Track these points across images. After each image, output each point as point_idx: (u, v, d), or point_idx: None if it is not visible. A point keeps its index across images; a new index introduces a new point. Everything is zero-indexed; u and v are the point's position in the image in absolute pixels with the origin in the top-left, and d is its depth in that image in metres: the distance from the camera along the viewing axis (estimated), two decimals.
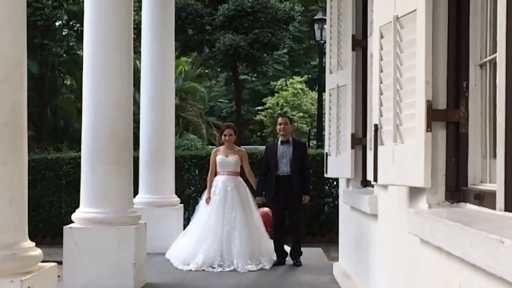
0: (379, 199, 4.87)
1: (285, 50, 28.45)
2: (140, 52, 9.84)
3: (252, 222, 8.28)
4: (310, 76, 29.63)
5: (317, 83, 22.12)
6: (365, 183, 6.14)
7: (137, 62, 13.74)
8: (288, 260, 8.33)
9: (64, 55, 20.87)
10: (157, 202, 9.13)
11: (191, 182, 12.63)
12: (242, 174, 8.61)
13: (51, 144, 18.25)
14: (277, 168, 8.21)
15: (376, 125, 3.75)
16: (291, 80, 28.13)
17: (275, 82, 28.35)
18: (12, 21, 3.80)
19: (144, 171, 9.26)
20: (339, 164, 6.54)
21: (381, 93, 3.70)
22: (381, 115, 3.69)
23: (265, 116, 27.64)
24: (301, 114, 26.69)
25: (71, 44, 20.74)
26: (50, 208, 12.51)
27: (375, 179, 3.84)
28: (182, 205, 9.72)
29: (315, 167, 11.79)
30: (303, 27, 29.46)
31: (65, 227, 6.58)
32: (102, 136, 6.58)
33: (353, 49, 6.27)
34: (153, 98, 9.29)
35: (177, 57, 18.92)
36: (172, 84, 9.74)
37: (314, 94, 25.74)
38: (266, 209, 9.00)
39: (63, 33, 21.36)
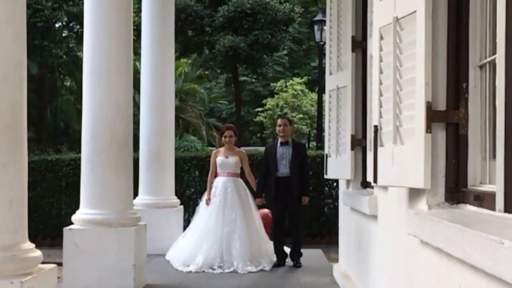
0: (379, 200, 4.87)
1: (285, 52, 28.42)
2: (140, 53, 9.84)
3: (252, 224, 8.28)
4: (310, 77, 29.62)
5: (317, 84, 22.12)
6: (365, 184, 6.14)
7: (137, 63, 13.74)
8: (288, 261, 8.33)
9: (64, 56, 20.86)
10: (157, 203, 9.13)
11: (191, 184, 12.63)
12: (242, 175, 8.61)
13: (51, 146, 18.26)
14: (276, 170, 8.21)
15: (376, 126, 3.76)
16: (291, 81, 28.11)
17: (275, 84, 28.34)
18: (12, 23, 3.80)
19: (144, 172, 9.26)
20: (339, 165, 6.54)
21: (380, 95, 3.70)
22: (380, 116, 3.69)
23: (265, 118, 27.63)
24: (301, 115, 26.68)
25: (71, 45, 20.73)
26: (50, 209, 12.51)
27: (375, 180, 3.84)
28: (182, 206, 9.72)
29: (315, 168, 11.80)
30: (303, 29, 29.45)
31: (65, 229, 6.58)
32: (102, 137, 6.58)
33: (352, 51, 6.27)
34: (153, 100, 9.30)
35: (177, 59, 18.90)
36: (172, 86, 9.73)
37: (314, 96, 25.73)
38: (266, 210, 9.00)
39: (63, 35, 21.34)
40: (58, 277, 4.61)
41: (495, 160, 2.65)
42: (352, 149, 6.19)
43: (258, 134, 31.81)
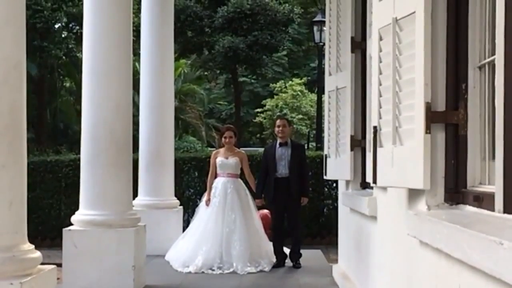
0: (379, 201, 4.87)
1: (285, 52, 28.42)
2: (139, 54, 9.84)
3: (252, 224, 8.28)
4: (309, 78, 29.62)
5: (317, 85, 22.12)
6: (365, 185, 6.14)
7: (137, 64, 13.73)
8: (288, 262, 8.33)
9: (64, 57, 20.84)
10: (156, 204, 9.13)
11: (190, 184, 12.63)
12: (241, 176, 8.61)
13: (51, 147, 18.23)
14: (275, 170, 8.21)
15: (375, 127, 3.76)
16: (290, 82, 28.10)
17: (274, 84, 28.33)
18: (11, 24, 3.80)
19: (144, 173, 9.26)
20: (338, 166, 6.54)
21: (380, 95, 3.70)
22: (380, 117, 3.69)
23: (265, 118, 27.61)
24: (300, 116, 26.67)
25: (70, 46, 20.71)
26: (49, 210, 12.51)
27: (374, 181, 3.84)
28: (181, 207, 9.72)
29: (314, 169, 11.80)
30: (302, 29, 29.46)
31: (65, 229, 6.58)
32: (101, 138, 6.58)
33: (352, 51, 6.27)
34: (153, 100, 9.30)
35: (177, 59, 18.90)
36: (171, 86, 9.74)
37: (314, 96, 25.72)
38: (265, 211, 9.00)
39: (63, 36, 21.32)
40: (58, 278, 4.61)
41: (494, 161, 2.65)
42: (352, 149, 6.19)
43: (258, 135, 31.79)
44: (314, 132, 23.54)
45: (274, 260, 8.25)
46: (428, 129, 3.13)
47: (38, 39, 18.68)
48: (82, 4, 6.95)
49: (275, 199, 8.22)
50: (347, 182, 6.66)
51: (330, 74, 6.85)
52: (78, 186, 6.78)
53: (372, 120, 3.93)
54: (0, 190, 3.70)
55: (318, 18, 17.89)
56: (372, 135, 3.84)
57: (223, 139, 8.63)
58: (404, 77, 3.36)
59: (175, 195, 9.65)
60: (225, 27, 20.07)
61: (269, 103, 27.61)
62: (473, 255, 2.36)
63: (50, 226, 12.16)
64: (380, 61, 3.70)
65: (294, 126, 23.56)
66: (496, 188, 2.57)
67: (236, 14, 19.83)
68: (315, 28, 18.21)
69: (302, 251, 8.43)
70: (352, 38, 6.29)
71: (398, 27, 3.44)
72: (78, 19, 17.59)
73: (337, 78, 6.59)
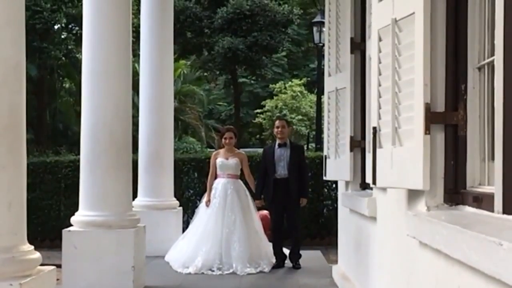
0: (378, 201, 4.87)
1: (284, 53, 28.42)
2: (139, 55, 9.84)
3: (252, 226, 8.28)
4: (309, 79, 29.60)
5: (316, 86, 22.11)
6: (364, 186, 6.14)
7: (136, 65, 13.73)
8: (287, 263, 8.33)
9: (63, 58, 20.85)
10: (156, 205, 9.13)
11: (190, 185, 12.63)
12: (241, 176, 8.61)
13: (50, 147, 18.22)
14: (274, 171, 8.21)
15: (374, 128, 3.76)
16: (290, 83, 28.09)
17: (274, 85, 28.31)
18: (11, 25, 3.80)
19: (143, 174, 9.26)
20: (338, 166, 6.54)
21: (379, 96, 3.70)
22: (379, 118, 3.70)
23: (264, 119, 27.59)
24: (300, 117, 26.65)
25: (70, 47, 20.72)
26: (49, 211, 12.51)
27: (374, 182, 3.84)
28: (181, 208, 9.72)
29: (314, 170, 11.80)
30: (302, 30, 29.46)
31: (64, 230, 6.57)
32: (101, 139, 6.58)
33: (351, 52, 6.27)
34: (152, 101, 9.30)
35: (176, 60, 18.89)
36: (171, 87, 9.74)
37: (313, 97, 25.71)
38: (265, 212, 9.00)
39: (62, 36, 21.33)
40: (57, 279, 4.61)
41: (494, 162, 2.65)
42: (351, 150, 6.19)
43: (257, 136, 31.78)
44: (314, 133, 23.51)
45: (274, 261, 8.25)
46: (427, 130, 3.13)
47: (38, 40, 18.68)
48: (81, 5, 6.95)
49: (274, 200, 8.22)
50: (347, 182, 6.66)
51: (329, 75, 6.85)
52: (78, 187, 6.78)
53: (371, 121, 3.93)
54: None
55: (318, 19, 17.90)
56: (371, 136, 3.84)
57: (223, 140, 8.63)
58: (404, 77, 3.36)
59: (175, 196, 9.65)
60: (225, 28, 20.07)
61: (268, 104, 27.60)
62: (472, 256, 2.36)
63: (50, 227, 12.16)
64: (380, 62, 3.71)
65: (294, 127, 23.55)
66: (496, 188, 2.57)
67: (235, 15, 19.84)
68: (314, 29, 18.23)
69: (301, 252, 8.43)
70: (351, 39, 6.29)
71: (397, 27, 3.44)
72: (77, 20, 17.58)
73: (337, 79, 6.59)
